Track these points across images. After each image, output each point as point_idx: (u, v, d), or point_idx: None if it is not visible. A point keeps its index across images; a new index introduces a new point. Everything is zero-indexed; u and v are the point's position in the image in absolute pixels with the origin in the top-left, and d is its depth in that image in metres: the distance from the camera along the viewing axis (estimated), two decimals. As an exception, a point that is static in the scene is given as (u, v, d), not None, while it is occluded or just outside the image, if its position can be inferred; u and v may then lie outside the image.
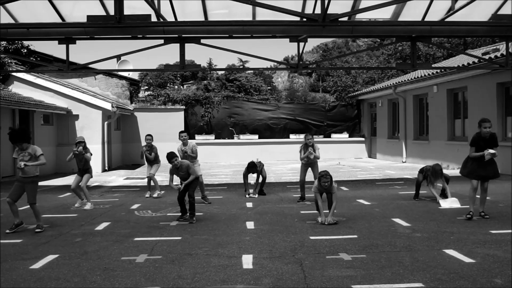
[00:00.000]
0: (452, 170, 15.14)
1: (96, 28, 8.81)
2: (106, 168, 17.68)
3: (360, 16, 9.92)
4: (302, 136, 22.80)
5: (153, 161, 10.59)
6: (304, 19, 8.87)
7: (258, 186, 10.39)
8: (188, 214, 7.65)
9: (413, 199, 9.41)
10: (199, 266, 4.97)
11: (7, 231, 6.89)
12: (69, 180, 13.93)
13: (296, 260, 5.14)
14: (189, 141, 9.68)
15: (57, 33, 9.26)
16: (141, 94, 27.15)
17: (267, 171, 15.87)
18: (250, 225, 7.17)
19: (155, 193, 10.44)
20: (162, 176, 11.67)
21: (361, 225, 7.01)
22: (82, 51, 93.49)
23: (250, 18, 10.11)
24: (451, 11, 9.59)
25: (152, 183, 10.65)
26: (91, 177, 9.51)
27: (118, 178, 15.21)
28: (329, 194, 7.27)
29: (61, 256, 5.47)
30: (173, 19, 9.64)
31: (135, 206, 9.23)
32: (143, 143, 10.96)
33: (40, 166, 7.03)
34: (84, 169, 9.30)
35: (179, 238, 6.36)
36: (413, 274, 4.56)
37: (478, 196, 7.44)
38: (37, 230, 6.92)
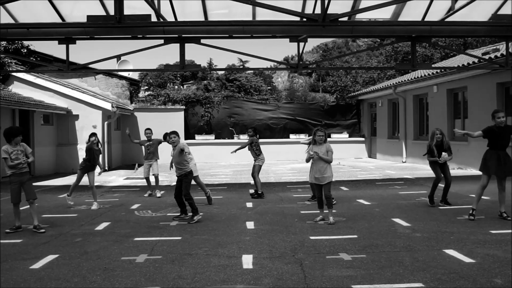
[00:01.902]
0: (452, 170, 15.14)
1: (96, 28, 8.81)
2: (106, 168, 17.67)
3: (360, 16, 9.93)
4: (302, 136, 22.88)
5: (153, 157, 10.58)
6: (304, 19, 8.88)
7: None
8: (189, 214, 7.62)
9: (429, 204, 8.61)
10: (199, 266, 4.97)
11: (7, 230, 6.89)
12: (69, 180, 13.95)
13: (296, 260, 5.14)
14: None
15: (57, 33, 9.27)
16: (141, 94, 27.16)
17: (267, 171, 15.92)
18: (250, 225, 7.17)
19: (158, 193, 10.47)
20: (162, 176, 11.65)
21: (361, 225, 7.01)
22: (82, 51, 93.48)
23: (250, 18, 10.11)
24: (451, 11, 9.60)
25: (150, 182, 10.72)
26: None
27: (118, 178, 15.22)
28: (327, 185, 7.22)
29: (61, 256, 5.47)
30: (173, 19, 9.65)
31: (135, 206, 9.23)
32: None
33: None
34: (94, 164, 9.24)
35: (179, 238, 6.36)
36: (413, 274, 4.56)
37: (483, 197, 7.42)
38: (41, 231, 6.81)
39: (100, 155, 9.53)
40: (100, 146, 9.47)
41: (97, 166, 9.40)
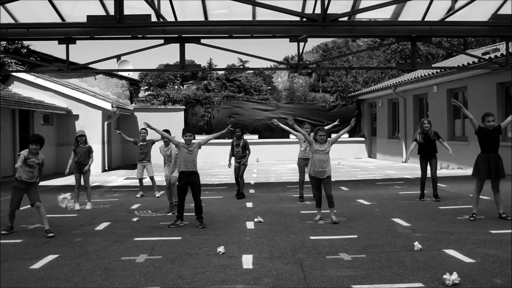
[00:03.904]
0: (452, 170, 15.15)
1: (96, 28, 8.82)
2: (106, 168, 17.68)
3: (360, 16, 9.94)
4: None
5: (146, 157, 10.51)
6: (304, 19, 8.89)
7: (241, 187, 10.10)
8: (197, 219, 7.25)
9: (419, 199, 9.28)
10: (199, 266, 4.97)
11: (3, 232, 6.76)
12: (69, 180, 13.94)
13: (296, 260, 5.14)
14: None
15: (57, 33, 9.28)
16: (141, 94, 27.14)
17: (267, 171, 15.92)
18: (250, 225, 7.17)
19: (157, 194, 10.47)
20: (160, 176, 11.62)
21: (361, 225, 7.01)
22: (82, 51, 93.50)
23: (250, 18, 10.12)
24: (451, 11, 9.60)
25: (143, 183, 10.75)
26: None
27: (118, 178, 15.22)
28: (328, 184, 7.24)
29: (61, 256, 5.46)
30: (173, 19, 9.66)
31: (135, 206, 9.23)
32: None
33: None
34: (84, 163, 9.20)
35: (179, 238, 6.36)
36: (413, 274, 4.56)
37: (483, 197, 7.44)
38: (50, 235, 6.53)
39: (93, 153, 9.45)
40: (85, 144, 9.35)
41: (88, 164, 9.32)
